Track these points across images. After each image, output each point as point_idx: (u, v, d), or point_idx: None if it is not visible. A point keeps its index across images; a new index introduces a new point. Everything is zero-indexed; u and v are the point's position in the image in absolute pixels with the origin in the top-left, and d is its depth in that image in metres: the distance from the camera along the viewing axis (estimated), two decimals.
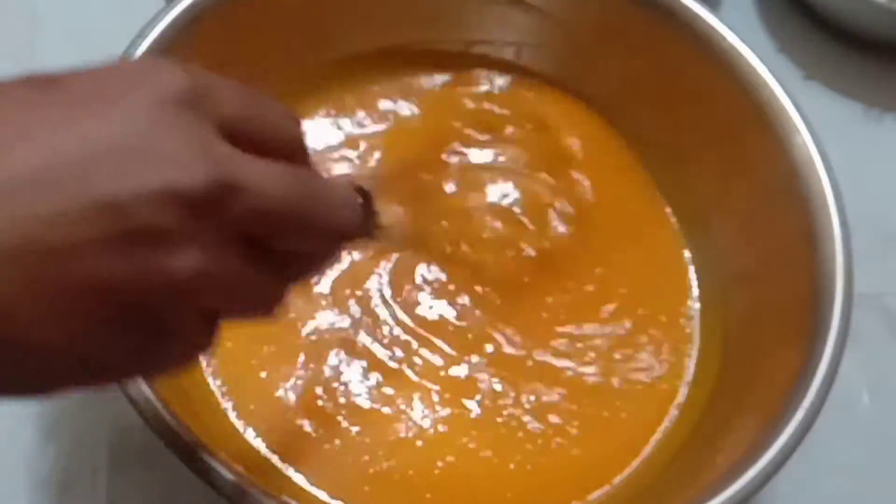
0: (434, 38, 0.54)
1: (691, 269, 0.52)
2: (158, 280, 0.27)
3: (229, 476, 0.37)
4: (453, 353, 0.48)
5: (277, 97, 0.52)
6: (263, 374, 0.46)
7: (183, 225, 0.27)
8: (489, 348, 0.48)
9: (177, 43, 0.46)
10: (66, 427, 0.48)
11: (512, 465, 0.46)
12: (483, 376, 0.48)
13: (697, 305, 0.51)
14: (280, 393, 0.46)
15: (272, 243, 0.30)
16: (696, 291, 0.51)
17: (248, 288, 0.30)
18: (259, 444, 0.45)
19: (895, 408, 0.53)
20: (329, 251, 0.34)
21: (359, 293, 0.48)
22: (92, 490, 0.47)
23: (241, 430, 0.45)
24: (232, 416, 0.45)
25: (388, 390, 0.47)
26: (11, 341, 0.26)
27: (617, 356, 0.49)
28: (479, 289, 0.49)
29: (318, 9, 0.51)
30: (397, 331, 0.48)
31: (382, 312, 0.48)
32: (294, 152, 0.32)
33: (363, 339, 0.47)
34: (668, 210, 0.53)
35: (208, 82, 0.29)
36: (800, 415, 0.41)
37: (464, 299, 0.49)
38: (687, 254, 0.52)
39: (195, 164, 0.27)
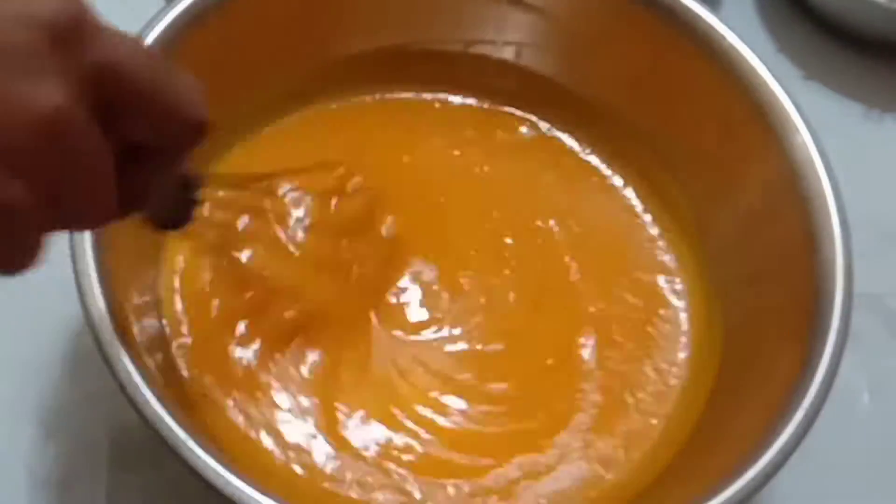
0: (434, 38, 0.54)
1: (691, 270, 0.52)
2: (20, 106, 0.26)
3: (230, 476, 0.37)
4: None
5: (277, 97, 0.53)
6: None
7: (43, 50, 0.26)
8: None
9: (177, 43, 0.46)
10: (66, 427, 0.48)
11: (508, 463, 0.46)
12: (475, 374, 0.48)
13: (697, 306, 0.51)
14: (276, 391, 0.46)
15: (120, 121, 0.29)
16: (695, 292, 0.51)
17: (93, 159, 0.28)
18: (258, 444, 0.45)
19: (895, 408, 0.53)
20: (174, 150, 0.32)
21: None
22: (92, 490, 0.47)
23: (242, 428, 0.45)
24: (232, 415, 0.45)
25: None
26: None
27: (616, 356, 0.49)
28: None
29: (317, 9, 0.51)
30: None
31: None
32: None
33: None
34: (667, 210, 0.53)
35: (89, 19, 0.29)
36: (800, 415, 0.41)
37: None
38: (687, 254, 0.52)
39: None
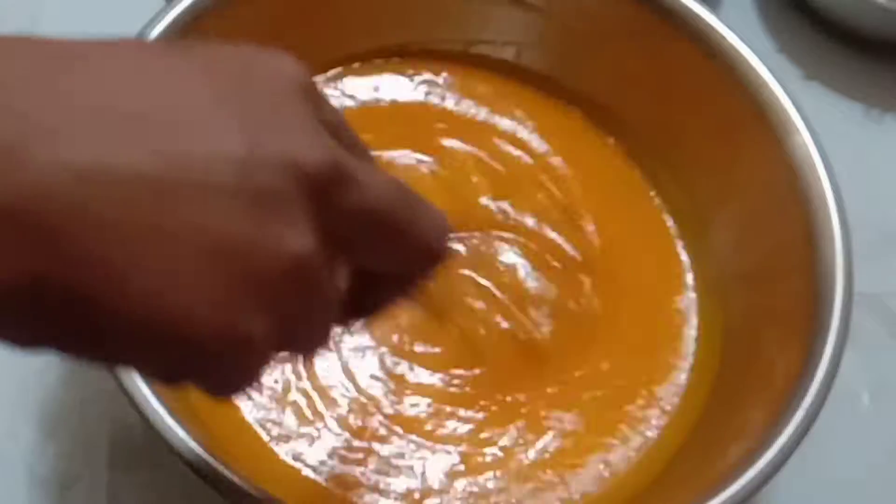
0: (434, 38, 0.54)
1: (691, 270, 0.52)
2: (272, 249, 0.26)
3: (230, 476, 0.37)
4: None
5: None
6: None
7: (300, 198, 0.26)
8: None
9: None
10: (66, 427, 0.48)
11: (508, 464, 0.46)
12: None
13: (697, 306, 0.51)
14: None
15: (364, 254, 0.30)
16: (695, 292, 0.51)
17: (326, 303, 0.29)
18: (258, 444, 0.45)
19: (895, 408, 0.53)
20: (412, 277, 0.33)
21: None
22: (92, 490, 0.47)
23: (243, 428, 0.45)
24: (232, 415, 0.45)
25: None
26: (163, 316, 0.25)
27: (615, 358, 0.49)
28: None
29: (317, 9, 0.51)
30: None
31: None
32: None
33: None
34: (667, 210, 0.53)
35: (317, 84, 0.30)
36: (800, 415, 0.41)
37: None
38: (686, 254, 0.52)
39: (315, 144, 0.27)
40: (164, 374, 0.28)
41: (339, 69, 0.53)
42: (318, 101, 0.29)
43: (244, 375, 0.28)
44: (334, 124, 0.29)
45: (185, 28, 0.46)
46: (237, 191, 0.25)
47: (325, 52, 0.53)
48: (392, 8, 0.53)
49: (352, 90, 0.54)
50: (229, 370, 0.27)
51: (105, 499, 0.47)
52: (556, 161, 0.54)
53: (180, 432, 0.37)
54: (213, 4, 0.47)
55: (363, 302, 0.33)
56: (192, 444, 0.37)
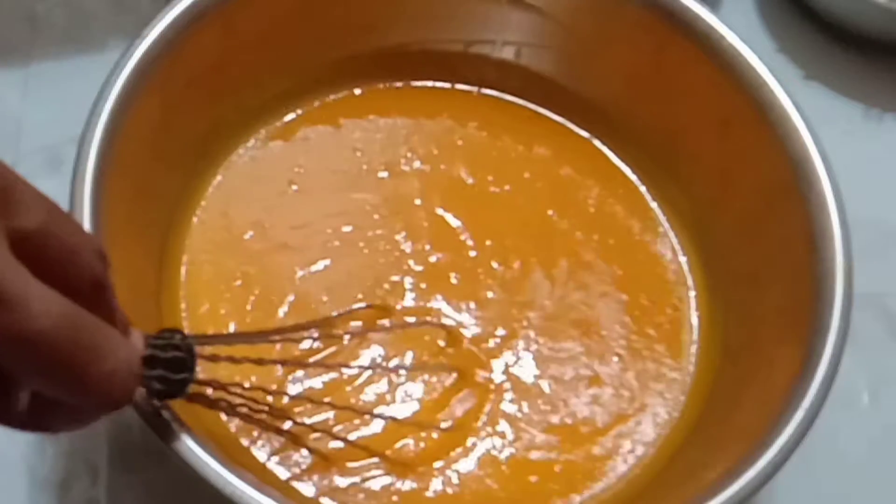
0: (434, 38, 0.54)
1: (691, 270, 0.52)
2: None
3: (230, 476, 0.37)
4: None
5: (277, 97, 0.53)
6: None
7: None
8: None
9: (176, 43, 0.46)
10: None
11: (507, 464, 0.46)
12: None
13: (697, 305, 0.51)
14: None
15: (28, 382, 0.28)
16: (695, 292, 0.51)
17: None
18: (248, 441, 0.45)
19: (895, 408, 0.53)
20: (79, 413, 0.31)
21: None
22: (92, 490, 0.47)
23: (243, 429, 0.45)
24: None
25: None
26: None
27: (615, 356, 0.49)
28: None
29: (317, 9, 0.51)
30: None
31: None
32: (93, 293, 0.29)
33: None
34: (668, 210, 0.53)
35: (19, 186, 0.27)
36: (800, 415, 0.41)
37: None
38: (687, 254, 0.52)
39: None
40: None
41: None
42: (8, 207, 0.26)
43: None
44: (28, 230, 0.27)
45: (185, 28, 0.46)
46: None
47: (325, 53, 0.53)
48: (392, 8, 0.53)
49: None
50: None
51: (105, 499, 0.47)
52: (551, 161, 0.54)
53: (180, 432, 0.37)
54: (213, 4, 0.47)
55: (40, 418, 0.31)
56: (192, 445, 0.37)
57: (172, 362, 0.34)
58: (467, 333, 0.49)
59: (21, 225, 0.27)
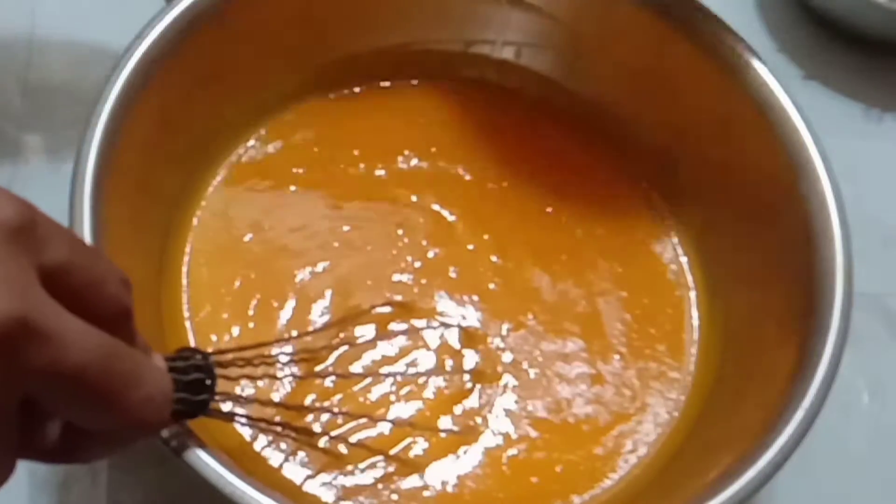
0: (434, 38, 0.54)
1: (691, 270, 0.52)
2: None
3: (230, 475, 0.37)
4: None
5: (277, 97, 0.53)
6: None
7: None
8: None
9: (176, 43, 0.46)
10: None
11: (507, 465, 0.46)
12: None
13: (697, 305, 0.51)
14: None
15: (64, 414, 0.28)
16: (695, 292, 0.51)
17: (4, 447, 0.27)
18: (258, 444, 0.45)
19: (895, 408, 0.53)
20: (113, 441, 0.31)
21: None
22: (92, 490, 0.47)
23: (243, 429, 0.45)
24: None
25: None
26: None
27: (616, 356, 0.49)
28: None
29: (317, 9, 0.51)
30: None
31: None
32: (117, 321, 0.29)
33: None
34: (668, 210, 0.53)
35: (41, 221, 0.27)
36: (800, 415, 0.41)
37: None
38: (687, 254, 0.52)
39: (1, 294, 0.25)
40: None
41: None
42: (32, 239, 0.27)
43: None
44: (57, 264, 0.27)
45: (185, 28, 0.46)
46: None
47: (325, 53, 0.53)
48: (392, 8, 0.53)
49: None
50: None
51: (105, 499, 0.47)
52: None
53: (180, 432, 0.37)
54: (213, 4, 0.47)
55: (72, 450, 0.31)
56: (192, 445, 0.37)
57: (193, 384, 0.34)
58: (469, 327, 0.49)
59: (48, 260, 0.27)
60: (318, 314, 0.48)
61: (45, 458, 0.31)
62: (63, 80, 0.56)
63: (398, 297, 0.49)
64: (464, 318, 0.49)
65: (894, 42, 0.62)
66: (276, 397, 0.45)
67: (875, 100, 0.61)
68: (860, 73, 0.62)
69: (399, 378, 0.47)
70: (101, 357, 0.27)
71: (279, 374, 0.43)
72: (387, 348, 0.48)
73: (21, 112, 0.55)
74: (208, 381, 0.35)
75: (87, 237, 0.40)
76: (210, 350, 0.37)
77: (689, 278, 0.51)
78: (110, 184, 0.42)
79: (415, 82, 0.55)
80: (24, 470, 0.47)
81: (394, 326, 0.48)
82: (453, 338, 0.48)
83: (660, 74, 0.52)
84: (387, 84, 0.55)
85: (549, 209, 0.52)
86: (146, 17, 0.45)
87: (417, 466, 0.45)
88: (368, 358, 0.47)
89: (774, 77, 0.48)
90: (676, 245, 0.52)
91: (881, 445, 0.52)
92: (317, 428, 0.45)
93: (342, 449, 0.45)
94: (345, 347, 0.47)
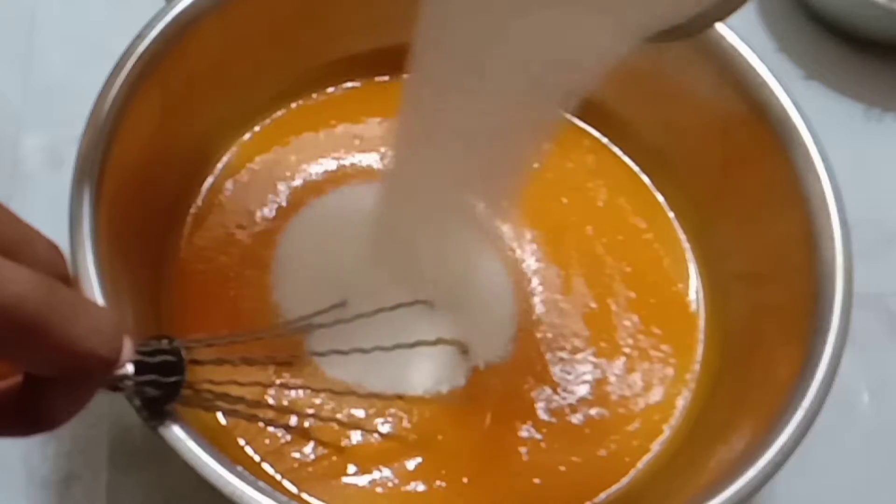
0: None
1: (692, 270, 0.52)
2: None
3: (230, 475, 0.37)
4: None
5: (277, 96, 0.53)
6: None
7: None
8: None
9: (176, 43, 0.46)
10: (65, 427, 0.47)
11: (510, 464, 0.46)
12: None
13: (697, 305, 0.51)
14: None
15: (10, 356, 0.27)
16: (696, 292, 0.51)
17: None
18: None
19: (895, 408, 0.53)
20: (73, 388, 0.30)
21: None
22: (92, 490, 0.47)
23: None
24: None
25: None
26: None
27: (622, 356, 0.49)
28: None
29: (317, 9, 0.51)
30: None
31: None
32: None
33: None
34: (668, 210, 0.53)
35: None
36: (800, 415, 0.41)
37: None
38: (687, 254, 0.52)
39: None
40: None
41: None
42: None
43: None
44: None
45: (185, 28, 0.46)
46: None
47: (324, 53, 0.53)
48: (392, 8, 0.52)
49: None
50: None
51: (105, 499, 0.47)
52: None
53: (180, 432, 0.37)
54: (213, 4, 0.47)
55: (36, 410, 0.30)
56: (192, 445, 0.37)
57: (162, 366, 0.35)
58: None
59: None
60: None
61: (9, 423, 0.30)
62: (63, 80, 0.56)
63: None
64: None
65: (894, 42, 0.62)
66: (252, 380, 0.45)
67: (875, 100, 0.61)
68: (860, 73, 0.62)
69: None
70: (38, 289, 0.26)
71: (254, 358, 0.42)
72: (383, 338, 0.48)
73: (21, 112, 0.55)
74: (175, 360, 0.35)
75: (87, 237, 0.40)
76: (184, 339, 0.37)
77: (690, 278, 0.51)
78: (110, 183, 0.42)
79: None
80: (24, 470, 0.47)
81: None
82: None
83: (659, 74, 0.51)
84: (387, 82, 0.55)
85: (562, 202, 0.52)
86: (146, 17, 0.45)
87: (415, 464, 0.45)
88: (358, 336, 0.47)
89: (774, 77, 0.48)
90: (677, 245, 0.52)
91: (881, 445, 0.52)
92: (309, 412, 0.45)
93: (334, 438, 0.45)
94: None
